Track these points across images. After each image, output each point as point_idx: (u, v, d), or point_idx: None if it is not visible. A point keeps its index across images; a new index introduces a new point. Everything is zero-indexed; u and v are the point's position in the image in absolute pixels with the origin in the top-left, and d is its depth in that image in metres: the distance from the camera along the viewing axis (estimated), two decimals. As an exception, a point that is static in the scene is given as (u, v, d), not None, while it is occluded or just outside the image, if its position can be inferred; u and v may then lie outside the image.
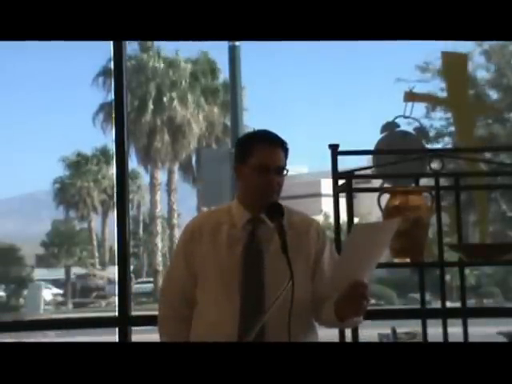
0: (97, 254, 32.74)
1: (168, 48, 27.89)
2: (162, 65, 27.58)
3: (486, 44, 17.25)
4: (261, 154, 2.35)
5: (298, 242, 2.37)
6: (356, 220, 3.17)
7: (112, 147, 3.87)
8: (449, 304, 3.47)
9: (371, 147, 3.46)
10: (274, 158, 2.36)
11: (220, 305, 2.38)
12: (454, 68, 3.70)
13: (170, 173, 28.08)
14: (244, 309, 2.34)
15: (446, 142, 17.39)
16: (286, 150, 2.40)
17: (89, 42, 2.64)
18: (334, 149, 3.22)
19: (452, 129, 16.08)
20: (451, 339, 3.17)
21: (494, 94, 18.25)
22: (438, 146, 16.79)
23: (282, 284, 2.15)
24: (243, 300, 2.35)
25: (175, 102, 27.18)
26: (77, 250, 32.13)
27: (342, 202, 3.21)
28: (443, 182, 3.54)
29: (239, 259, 2.37)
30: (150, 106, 27.06)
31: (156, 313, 2.60)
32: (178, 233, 27.25)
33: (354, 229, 2.32)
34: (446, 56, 3.75)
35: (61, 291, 30.16)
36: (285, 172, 2.38)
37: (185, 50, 27.92)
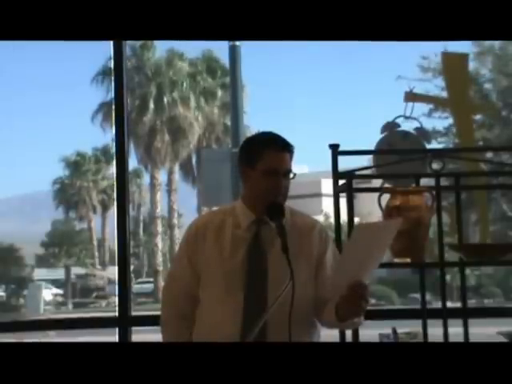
0: (97, 254, 32.73)
1: (168, 47, 27.91)
2: (162, 64, 27.58)
3: (485, 44, 17.26)
4: (270, 158, 2.37)
5: (300, 242, 2.38)
6: (356, 220, 3.17)
7: (112, 147, 3.89)
8: (449, 304, 3.47)
9: (372, 147, 3.46)
10: (282, 163, 2.38)
11: (223, 305, 2.38)
12: (454, 68, 3.69)
13: (170, 173, 28.08)
14: (247, 309, 2.35)
15: (446, 143, 17.39)
16: (292, 153, 2.42)
17: (89, 42, 2.64)
18: (335, 149, 3.22)
19: (453, 129, 16.07)
20: (452, 339, 3.17)
21: (493, 95, 18.26)
22: (439, 146, 16.79)
23: (285, 284, 2.15)
24: (246, 300, 2.36)
25: (176, 102, 27.16)
26: (77, 250, 32.11)
27: (343, 201, 3.21)
28: (443, 181, 3.54)
29: (243, 260, 2.39)
30: (151, 106, 27.05)
31: (156, 313, 2.60)
32: (178, 233, 27.28)
33: (356, 229, 2.33)
34: (447, 56, 3.75)
35: (61, 291, 30.16)
36: (292, 175, 2.40)
37: (185, 50, 27.94)
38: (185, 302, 2.48)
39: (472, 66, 4.07)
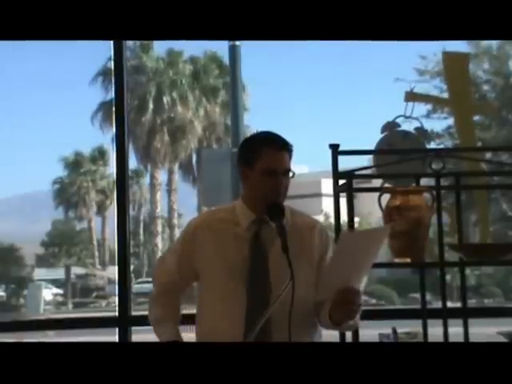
0: (97, 254, 32.72)
1: (168, 47, 27.91)
2: (161, 64, 27.58)
3: (482, 45, 17.26)
4: (268, 158, 2.37)
5: (301, 242, 2.39)
6: (356, 220, 3.18)
7: (111, 147, 3.90)
8: (449, 304, 3.47)
9: (372, 147, 3.46)
10: (281, 162, 2.38)
11: (225, 304, 2.39)
12: (454, 68, 3.69)
13: (170, 173, 28.08)
14: (249, 308, 2.35)
15: (445, 144, 17.39)
16: (290, 153, 2.42)
17: (89, 41, 2.64)
18: (335, 149, 3.22)
19: (453, 129, 16.08)
20: (452, 339, 3.17)
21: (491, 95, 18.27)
22: (439, 146, 16.78)
23: (285, 284, 2.16)
24: (248, 299, 2.36)
25: (175, 102, 27.16)
26: (77, 249, 32.10)
27: (343, 201, 3.21)
28: (443, 181, 3.54)
29: (244, 260, 2.39)
30: (150, 106, 27.05)
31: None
32: (178, 233, 27.24)
33: (342, 237, 2.36)
34: (447, 56, 3.75)
35: (61, 291, 30.15)
36: (291, 174, 2.40)
37: (186, 49, 27.93)
38: (171, 286, 2.55)
39: (469, 66, 4.06)
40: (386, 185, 3.35)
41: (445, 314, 3.29)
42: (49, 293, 28.46)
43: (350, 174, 3.16)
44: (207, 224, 2.47)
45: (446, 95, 3.83)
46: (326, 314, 2.32)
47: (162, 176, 27.99)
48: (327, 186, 22.88)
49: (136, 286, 26.20)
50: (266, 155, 2.37)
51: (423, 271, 3.34)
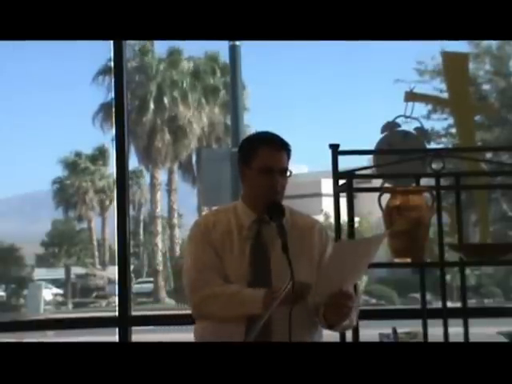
0: (97, 254, 32.72)
1: (169, 47, 27.89)
2: (162, 64, 27.57)
3: (482, 45, 17.24)
4: (265, 156, 2.38)
5: (301, 242, 2.40)
6: (356, 220, 3.19)
7: (111, 147, 3.90)
8: (449, 304, 3.46)
9: (372, 147, 3.46)
10: (277, 161, 2.39)
11: None
12: (454, 68, 3.69)
13: (170, 173, 28.07)
14: None
15: (445, 144, 17.38)
16: (288, 152, 2.44)
17: (89, 41, 2.64)
18: (335, 148, 3.22)
19: (453, 129, 16.07)
20: (452, 339, 3.17)
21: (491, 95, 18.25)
22: (439, 146, 16.77)
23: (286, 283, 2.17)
24: None
25: (176, 102, 27.15)
26: (77, 249, 32.09)
27: (343, 201, 3.21)
28: (443, 181, 3.54)
29: (247, 259, 2.40)
30: (151, 106, 27.04)
31: (156, 313, 2.60)
32: (178, 233, 27.31)
33: (336, 246, 2.39)
34: (447, 56, 3.75)
35: (61, 291, 30.15)
36: (288, 173, 2.41)
37: (186, 49, 27.92)
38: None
39: (470, 66, 4.03)
40: (386, 185, 3.35)
41: (445, 314, 3.29)
42: (49, 293, 28.46)
43: (350, 174, 3.16)
44: (212, 225, 2.47)
45: (446, 95, 3.83)
46: (320, 316, 2.36)
47: (162, 176, 28.00)
48: (327, 185, 22.87)
49: (136, 286, 26.25)
50: (263, 154, 2.39)
51: (423, 271, 3.34)
